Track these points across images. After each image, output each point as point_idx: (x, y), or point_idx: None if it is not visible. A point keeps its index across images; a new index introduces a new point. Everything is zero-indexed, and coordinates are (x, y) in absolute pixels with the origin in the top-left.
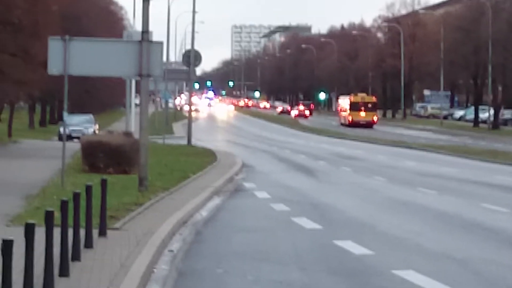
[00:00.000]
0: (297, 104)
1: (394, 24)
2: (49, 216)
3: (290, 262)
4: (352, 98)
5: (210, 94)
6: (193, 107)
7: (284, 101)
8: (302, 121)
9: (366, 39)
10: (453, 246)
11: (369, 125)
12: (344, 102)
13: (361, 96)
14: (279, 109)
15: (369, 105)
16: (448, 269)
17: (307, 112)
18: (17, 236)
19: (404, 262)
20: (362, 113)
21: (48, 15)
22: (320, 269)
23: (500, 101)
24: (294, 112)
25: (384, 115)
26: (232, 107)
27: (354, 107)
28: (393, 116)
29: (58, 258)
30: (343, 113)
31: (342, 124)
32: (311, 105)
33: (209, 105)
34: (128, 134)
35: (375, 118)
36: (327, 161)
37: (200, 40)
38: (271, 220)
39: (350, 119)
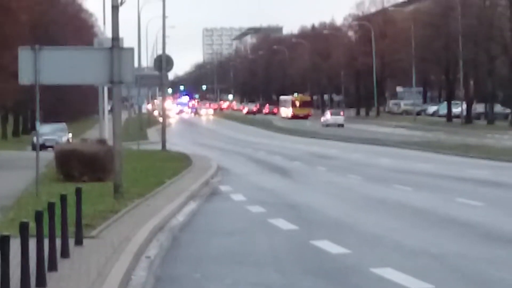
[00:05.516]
0: (257, 105)
1: (364, 22)
2: (24, 227)
3: (268, 264)
4: (293, 98)
5: (184, 99)
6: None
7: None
8: (276, 122)
9: (337, 38)
10: (430, 242)
11: (305, 117)
12: (287, 100)
13: (300, 96)
14: (245, 110)
15: (306, 103)
16: (426, 265)
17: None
18: None
19: (381, 260)
20: (300, 109)
21: (18, 25)
22: (298, 270)
23: (472, 95)
24: (244, 110)
25: (358, 113)
26: (211, 110)
27: (294, 104)
28: (367, 114)
29: (35, 269)
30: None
31: (283, 118)
32: (266, 104)
33: (181, 111)
34: (102, 141)
35: (310, 112)
36: (302, 161)
37: (172, 44)
38: (248, 222)
39: (292, 113)
